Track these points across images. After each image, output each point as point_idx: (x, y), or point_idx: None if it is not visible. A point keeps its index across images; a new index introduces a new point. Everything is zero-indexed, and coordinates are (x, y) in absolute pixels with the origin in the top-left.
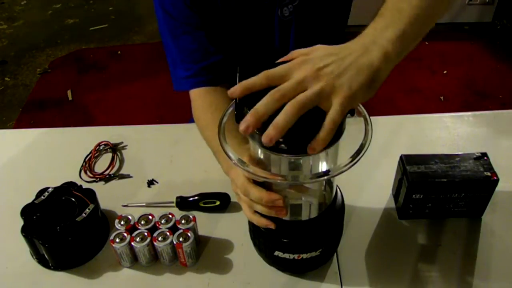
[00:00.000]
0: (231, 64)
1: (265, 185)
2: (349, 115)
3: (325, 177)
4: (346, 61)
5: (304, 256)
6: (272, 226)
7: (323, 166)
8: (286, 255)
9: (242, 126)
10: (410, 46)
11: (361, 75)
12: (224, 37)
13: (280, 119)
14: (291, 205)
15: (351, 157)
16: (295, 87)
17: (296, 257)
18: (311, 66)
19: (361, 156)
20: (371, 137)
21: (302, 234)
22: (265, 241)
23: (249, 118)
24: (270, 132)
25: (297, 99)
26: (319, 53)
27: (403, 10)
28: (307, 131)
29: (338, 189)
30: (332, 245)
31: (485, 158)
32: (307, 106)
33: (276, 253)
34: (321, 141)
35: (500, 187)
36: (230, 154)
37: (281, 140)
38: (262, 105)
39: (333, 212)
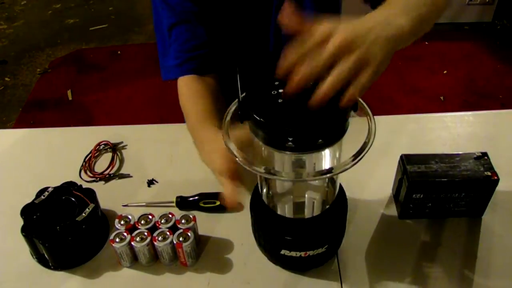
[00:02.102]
0: (224, 55)
1: (268, 182)
2: (352, 111)
3: (328, 175)
4: (374, 31)
5: (311, 253)
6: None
7: (326, 164)
8: (293, 253)
9: (285, 93)
10: (424, 26)
11: (388, 45)
12: (220, 27)
13: (322, 88)
14: (295, 203)
15: (353, 155)
16: (329, 57)
17: (302, 255)
18: (341, 36)
19: (365, 154)
20: (375, 135)
21: (308, 232)
22: (270, 240)
23: (291, 87)
24: (315, 100)
25: (336, 72)
26: (346, 24)
27: None
28: (312, 129)
29: (341, 186)
30: (337, 241)
31: (486, 157)
32: (343, 75)
33: (283, 251)
34: (352, 95)
35: (500, 187)
36: (235, 153)
37: (289, 138)
38: (302, 73)
39: (337, 209)
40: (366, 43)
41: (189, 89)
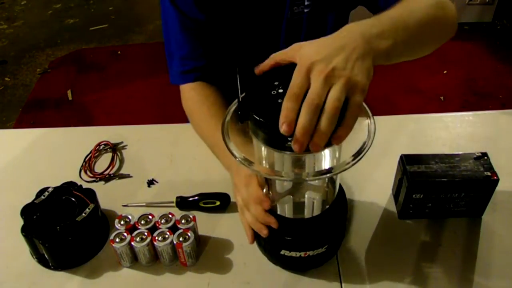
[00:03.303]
0: (228, 66)
1: (269, 183)
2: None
3: (328, 175)
4: (353, 50)
5: (311, 253)
6: (265, 231)
7: (326, 164)
8: (293, 253)
9: (297, 147)
10: (407, 50)
11: (366, 61)
12: (227, 33)
13: (322, 128)
14: (295, 203)
15: (353, 155)
16: (322, 93)
17: (302, 255)
18: (325, 66)
19: (364, 154)
20: (374, 135)
21: (308, 232)
22: (271, 240)
23: (301, 138)
24: (317, 141)
25: (331, 105)
26: (321, 49)
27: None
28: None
29: (341, 187)
30: (337, 241)
31: (485, 158)
32: (340, 106)
33: (282, 252)
34: (348, 129)
35: (500, 187)
36: (235, 153)
37: (289, 138)
38: (307, 121)
39: (337, 209)
40: (348, 67)
41: (198, 94)
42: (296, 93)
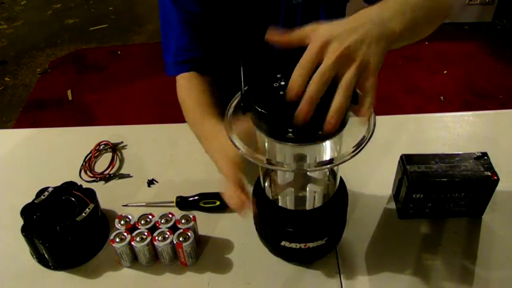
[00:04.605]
0: (227, 50)
1: (270, 175)
2: (352, 104)
3: (329, 166)
4: (368, 33)
5: (311, 245)
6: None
7: (326, 155)
8: (293, 245)
9: (301, 116)
10: (418, 31)
11: (381, 46)
12: (225, 26)
13: (337, 104)
14: (297, 196)
15: (354, 147)
16: (333, 68)
17: (302, 246)
18: (339, 45)
19: (365, 145)
20: (374, 127)
21: (309, 223)
22: (272, 231)
23: (308, 107)
24: (332, 120)
25: (345, 84)
26: (337, 29)
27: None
28: (313, 120)
29: (341, 180)
30: (336, 233)
31: (485, 157)
32: (352, 85)
33: (283, 243)
34: (370, 105)
35: (500, 187)
36: (237, 145)
37: (289, 130)
38: (316, 90)
39: (338, 201)
40: (363, 48)
41: (189, 83)
42: (306, 65)
